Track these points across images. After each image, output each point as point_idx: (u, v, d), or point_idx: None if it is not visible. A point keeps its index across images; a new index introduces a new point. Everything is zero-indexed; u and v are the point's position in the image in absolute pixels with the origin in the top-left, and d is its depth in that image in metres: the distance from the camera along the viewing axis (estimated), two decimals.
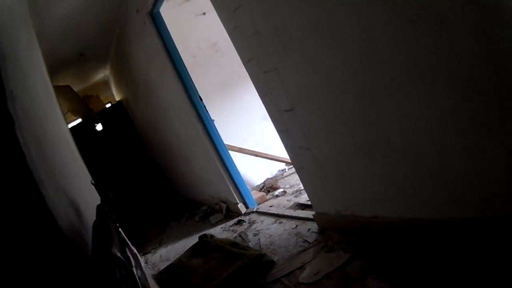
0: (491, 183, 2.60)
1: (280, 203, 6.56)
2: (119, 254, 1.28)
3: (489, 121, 2.41)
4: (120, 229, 1.81)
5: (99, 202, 2.25)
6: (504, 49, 2.19)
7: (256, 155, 8.26)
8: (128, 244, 1.73)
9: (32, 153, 1.13)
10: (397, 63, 2.73)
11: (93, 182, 2.71)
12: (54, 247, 1.03)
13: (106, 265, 1.20)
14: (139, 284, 1.25)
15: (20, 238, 0.94)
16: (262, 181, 8.36)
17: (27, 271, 0.91)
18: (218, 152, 6.77)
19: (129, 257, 1.43)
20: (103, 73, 12.06)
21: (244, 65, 4.49)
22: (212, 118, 6.72)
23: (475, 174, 2.67)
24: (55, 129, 2.74)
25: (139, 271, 1.46)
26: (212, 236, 5.88)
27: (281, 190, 7.24)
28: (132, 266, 1.34)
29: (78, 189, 2.31)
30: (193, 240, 6.40)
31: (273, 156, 8.39)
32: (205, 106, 6.62)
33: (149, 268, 6.26)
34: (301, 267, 4.01)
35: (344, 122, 3.49)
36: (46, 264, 0.97)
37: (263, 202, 7.02)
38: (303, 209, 5.69)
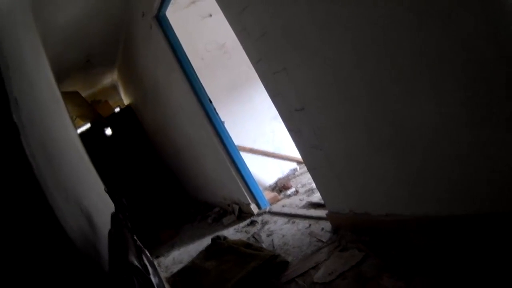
0: (504, 178, 2.57)
1: (292, 203, 6.54)
2: (136, 263, 1.27)
3: (500, 115, 2.38)
4: (135, 237, 1.80)
5: (112, 209, 2.23)
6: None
7: (267, 155, 8.27)
8: (145, 251, 1.72)
9: (40, 163, 1.11)
10: (405, 58, 2.71)
11: (106, 190, 2.69)
12: (65, 260, 1.01)
13: (124, 274, 1.18)
14: None
15: (28, 252, 0.93)
16: (274, 181, 8.34)
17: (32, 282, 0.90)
18: (229, 153, 6.77)
19: (146, 265, 1.42)
20: (111, 78, 12.09)
21: (253, 66, 4.47)
22: (222, 119, 6.71)
23: (487, 168, 2.64)
24: (64, 135, 2.73)
25: (156, 279, 1.45)
26: (225, 238, 5.89)
27: (293, 189, 7.23)
28: (149, 274, 1.32)
29: (90, 197, 2.30)
30: (206, 242, 6.42)
31: (284, 155, 8.40)
32: (215, 108, 6.61)
33: (162, 271, 6.26)
34: (316, 267, 3.99)
35: (355, 120, 3.47)
36: (57, 279, 0.96)
37: (275, 202, 7.01)
38: (315, 208, 5.67)
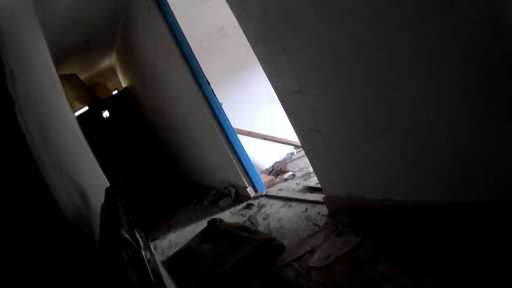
0: (503, 168, 2.57)
1: (289, 187, 6.56)
2: (126, 235, 1.26)
3: (500, 106, 2.36)
4: (128, 212, 1.79)
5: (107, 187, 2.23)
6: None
7: (265, 139, 8.25)
8: (137, 227, 1.71)
9: (33, 135, 1.11)
10: (405, 44, 2.68)
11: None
12: (54, 229, 1.01)
13: (113, 246, 1.17)
14: (148, 266, 1.22)
15: (16, 220, 0.92)
16: (271, 164, 8.34)
17: (22, 254, 0.89)
18: (227, 136, 6.76)
19: (137, 239, 1.41)
20: (109, 61, 12.04)
21: (252, 48, 4.45)
22: (220, 102, 6.69)
23: (486, 157, 2.63)
24: (60, 115, 2.72)
25: (148, 254, 1.43)
26: (221, 221, 5.88)
27: (290, 173, 7.24)
28: (140, 248, 1.31)
29: (85, 175, 2.29)
30: (202, 225, 6.40)
31: (282, 139, 8.38)
32: (212, 90, 6.59)
33: (158, 254, 6.25)
34: (312, 251, 4.00)
35: (354, 103, 3.45)
36: (44, 248, 0.95)
37: (272, 186, 7.03)
38: (312, 192, 5.68)
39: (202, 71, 6.53)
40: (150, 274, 1.18)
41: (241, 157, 6.83)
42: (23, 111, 1.10)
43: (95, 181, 2.59)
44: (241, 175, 6.90)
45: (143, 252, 1.27)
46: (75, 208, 1.28)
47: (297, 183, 6.55)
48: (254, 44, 4.35)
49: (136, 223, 1.76)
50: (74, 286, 0.98)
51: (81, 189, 1.64)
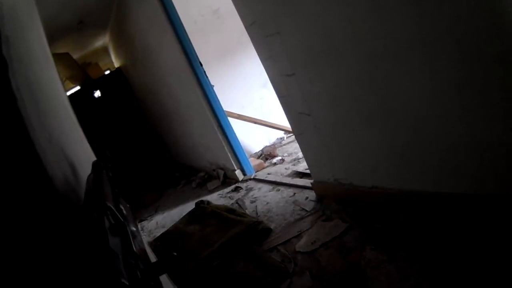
0: (491, 160, 2.57)
1: (278, 171, 6.57)
2: (109, 204, 1.25)
3: (491, 98, 2.36)
4: (115, 184, 1.78)
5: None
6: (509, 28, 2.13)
7: (255, 122, 8.24)
8: (123, 201, 1.70)
9: (25, 99, 1.10)
10: (399, 31, 2.66)
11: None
12: (40, 191, 1.00)
13: (95, 213, 1.16)
14: (130, 236, 1.21)
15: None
16: (261, 148, 8.37)
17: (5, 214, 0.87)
18: (217, 118, 6.73)
19: (121, 209, 1.40)
20: (102, 40, 11.96)
21: (246, 29, 4.41)
22: (212, 84, 6.65)
23: (475, 149, 2.63)
24: (52, 87, 2.70)
25: (133, 226, 1.42)
26: (209, 203, 5.89)
27: (279, 158, 7.25)
28: (124, 218, 1.30)
29: (74, 148, 2.28)
30: (189, 206, 6.42)
31: (272, 123, 8.38)
32: (205, 72, 6.55)
33: (145, 235, 6.25)
34: (298, 236, 4.00)
35: (346, 89, 3.43)
36: (28, 208, 0.94)
37: (260, 170, 7.04)
38: (301, 177, 5.68)
39: (195, 52, 6.49)
40: (132, 243, 1.16)
41: (230, 140, 6.82)
42: (16, 76, 1.09)
43: (85, 158, 2.58)
44: (230, 158, 6.90)
45: (127, 223, 1.26)
46: (64, 177, 1.27)
47: (285, 168, 6.55)
48: (249, 26, 4.32)
49: (121, 195, 1.75)
50: (57, 247, 0.96)
51: (70, 161, 1.62)
